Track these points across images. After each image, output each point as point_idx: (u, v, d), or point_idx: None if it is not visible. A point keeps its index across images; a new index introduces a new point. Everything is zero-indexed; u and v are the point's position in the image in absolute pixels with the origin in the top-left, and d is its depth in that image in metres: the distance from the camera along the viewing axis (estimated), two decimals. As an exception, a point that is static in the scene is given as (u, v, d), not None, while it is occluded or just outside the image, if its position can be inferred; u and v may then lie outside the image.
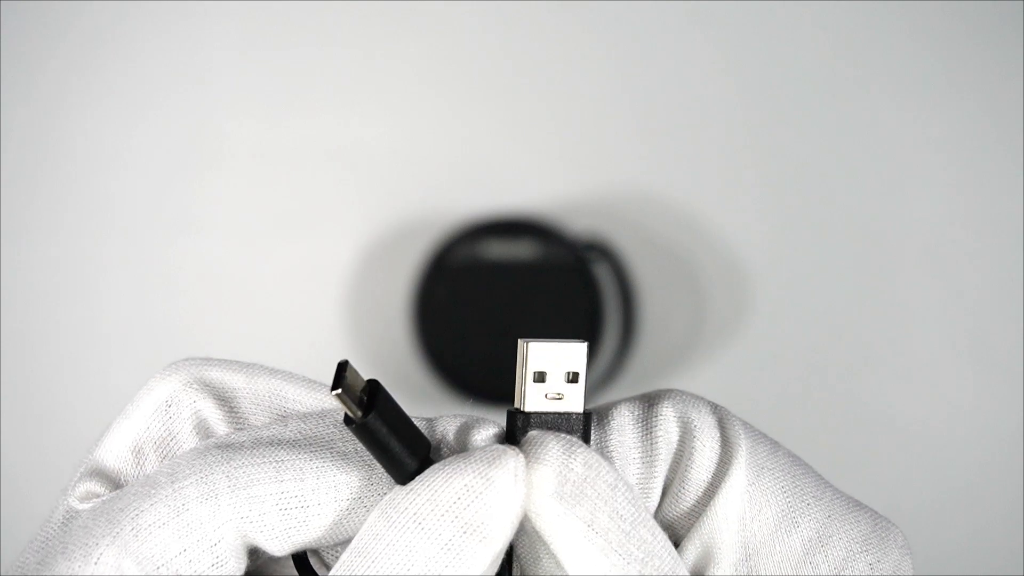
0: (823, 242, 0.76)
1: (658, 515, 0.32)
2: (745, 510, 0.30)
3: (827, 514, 0.30)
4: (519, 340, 0.31)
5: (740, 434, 0.30)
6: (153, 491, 0.29)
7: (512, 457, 0.29)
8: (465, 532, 0.29)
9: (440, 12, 0.78)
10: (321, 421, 0.31)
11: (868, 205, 0.76)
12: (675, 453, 0.31)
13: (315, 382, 0.32)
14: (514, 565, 0.32)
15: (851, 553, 0.30)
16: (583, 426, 0.31)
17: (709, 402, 0.31)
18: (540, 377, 0.31)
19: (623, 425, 0.31)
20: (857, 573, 0.30)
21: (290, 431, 0.31)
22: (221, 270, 0.76)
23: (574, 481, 0.29)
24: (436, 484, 0.29)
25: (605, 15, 0.77)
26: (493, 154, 0.77)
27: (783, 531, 0.30)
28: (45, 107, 0.77)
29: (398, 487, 0.30)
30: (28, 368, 0.75)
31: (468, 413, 0.32)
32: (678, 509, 0.31)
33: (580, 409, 0.31)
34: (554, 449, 0.29)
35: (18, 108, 0.77)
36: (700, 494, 0.31)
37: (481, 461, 0.29)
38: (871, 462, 0.75)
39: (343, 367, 0.28)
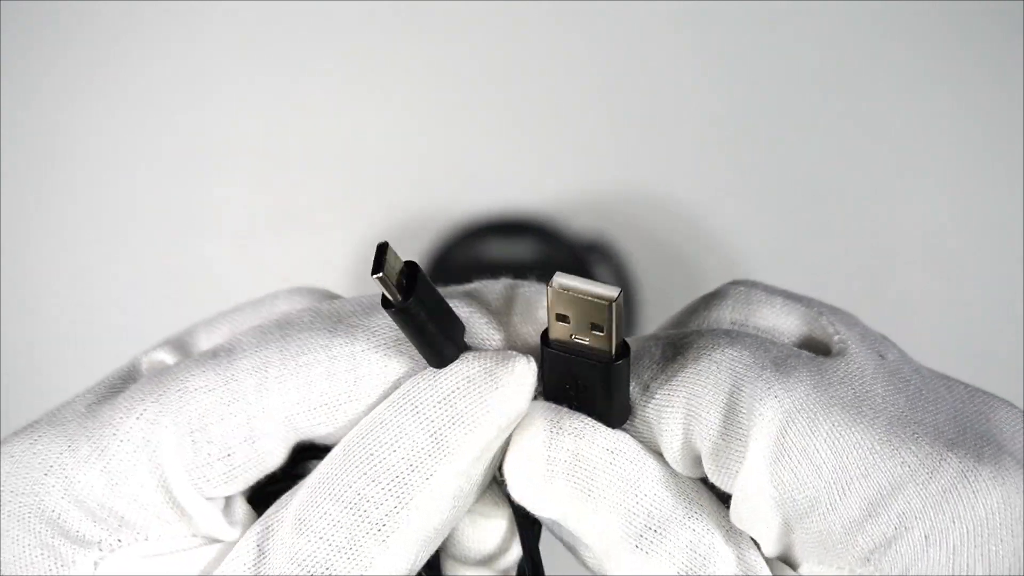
0: (823, 242, 0.76)
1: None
2: (775, 496, 0.28)
3: (876, 490, 0.28)
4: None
5: (765, 418, 0.28)
6: (210, 359, 0.30)
7: (521, 361, 0.29)
8: (454, 423, 0.29)
9: (441, 13, 0.78)
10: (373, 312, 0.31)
11: (868, 205, 0.76)
12: (685, 438, 0.30)
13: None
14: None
15: (903, 528, 0.27)
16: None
17: (733, 376, 0.29)
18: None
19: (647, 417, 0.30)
20: (908, 548, 0.27)
21: (348, 309, 0.31)
22: (221, 269, 0.76)
23: (562, 459, 0.29)
24: (443, 373, 0.29)
25: (605, 16, 0.77)
26: (493, 154, 0.77)
27: (819, 514, 0.28)
28: (46, 109, 0.77)
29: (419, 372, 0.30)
30: (28, 367, 0.75)
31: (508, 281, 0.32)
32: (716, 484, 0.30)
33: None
34: (539, 425, 0.29)
35: (18, 110, 0.77)
36: (720, 480, 0.30)
37: (491, 358, 0.29)
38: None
39: (383, 249, 0.28)
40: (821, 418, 0.28)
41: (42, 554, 0.29)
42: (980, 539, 0.27)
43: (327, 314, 0.31)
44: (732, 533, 0.30)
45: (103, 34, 0.78)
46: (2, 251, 0.76)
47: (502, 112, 0.77)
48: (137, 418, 0.29)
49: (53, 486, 0.29)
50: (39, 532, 0.29)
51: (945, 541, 0.27)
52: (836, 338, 0.31)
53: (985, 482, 0.28)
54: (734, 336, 0.30)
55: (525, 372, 0.29)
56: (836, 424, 0.28)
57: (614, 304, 0.28)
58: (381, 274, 0.28)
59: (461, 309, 0.31)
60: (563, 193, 0.76)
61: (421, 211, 0.76)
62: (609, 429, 0.30)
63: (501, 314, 0.31)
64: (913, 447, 0.28)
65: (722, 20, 0.77)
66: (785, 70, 0.77)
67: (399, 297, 0.28)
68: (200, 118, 0.77)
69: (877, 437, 0.28)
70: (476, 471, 0.30)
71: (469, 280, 0.32)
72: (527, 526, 0.32)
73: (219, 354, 0.31)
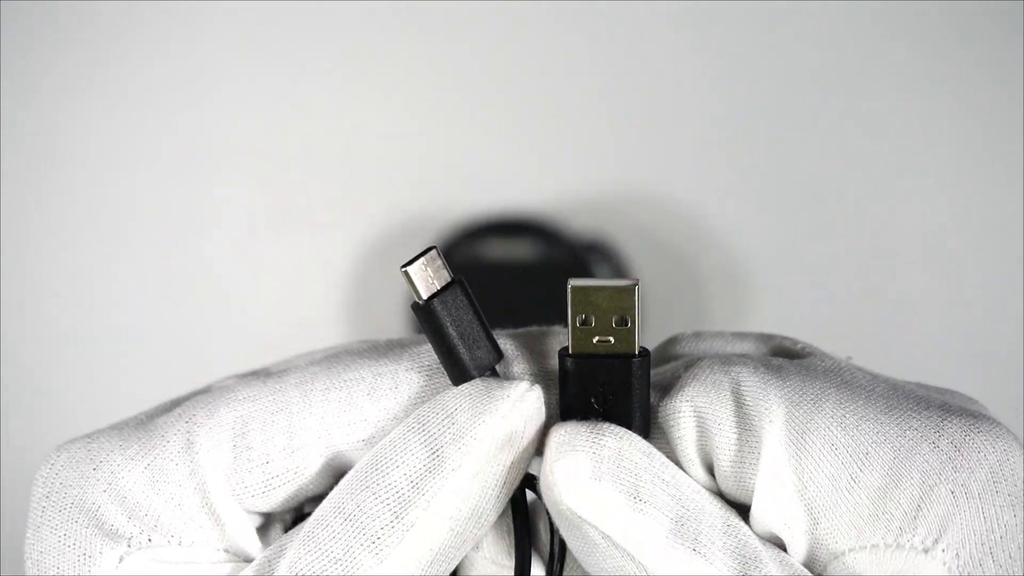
0: (823, 242, 0.76)
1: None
2: (795, 481, 0.29)
3: (893, 455, 0.29)
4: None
5: (772, 404, 0.29)
6: (263, 375, 0.32)
7: (522, 385, 0.30)
8: (453, 439, 0.29)
9: (441, 13, 0.78)
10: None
11: (868, 205, 0.76)
12: (699, 445, 0.30)
13: None
14: (567, 562, 0.32)
15: (927, 487, 0.28)
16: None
17: (731, 376, 0.30)
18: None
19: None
20: (938, 506, 0.28)
21: (402, 341, 0.33)
22: (221, 269, 0.76)
23: (608, 458, 0.29)
24: (451, 391, 0.30)
25: (605, 16, 0.77)
26: (493, 154, 0.77)
27: (843, 490, 0.29)
28: (46, 109, 0.77)
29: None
30: (28, 367, 0.75)
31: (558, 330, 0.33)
32: (730, 495, 0.31)
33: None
34: (578, 427, 0.30)
35: (18, 110, 0.77)
36: (737, 483, 0.30)
37: (497, 381, 0.30)
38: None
39: (426, 251, 0.29)
40: (822, 400, 0.30)
41: (73, 544, 0.31)
42: (999, 486, 0.28)
43: (381, 344, 0.33)
44: (762, 537, 0.30)
45: (103, 34, 0.78)
46: (2, 251, 0.76)
47: (502, 112, 0.77)
48: (186, 422, 0.31)
49: (99, 480, 0.31)
50: (76, 522, 0.31)
51: (970, 492, 0.28)
52: (799, 346, 0.33)
53: (988, 434, 0.29)
54: (717, 353, 0.32)
55: (523, 394, 0.30)
56: (838, 403, 0.29)
57: (637, 287, 0.30)
58: (407, 269, 0.29)
59: (505, 343, 0.32)
60: (563, 193, 0.76)
61: (421, 211, 0.76)
62: (639, 436, 0.30)
63: (543, 356, 0.32)
64: (914, 413, 0.29)
65: (722, 20, 0.77)
66: (785, 70, 0.77)
67: (423, 296, 0.29)
68: (200, 118, 0.77)
69: (879, 409, 0.29)
70: (473, 491, 0.30)
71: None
72: (527, 565, 0.32)
73: (272, 372, 0.32)
